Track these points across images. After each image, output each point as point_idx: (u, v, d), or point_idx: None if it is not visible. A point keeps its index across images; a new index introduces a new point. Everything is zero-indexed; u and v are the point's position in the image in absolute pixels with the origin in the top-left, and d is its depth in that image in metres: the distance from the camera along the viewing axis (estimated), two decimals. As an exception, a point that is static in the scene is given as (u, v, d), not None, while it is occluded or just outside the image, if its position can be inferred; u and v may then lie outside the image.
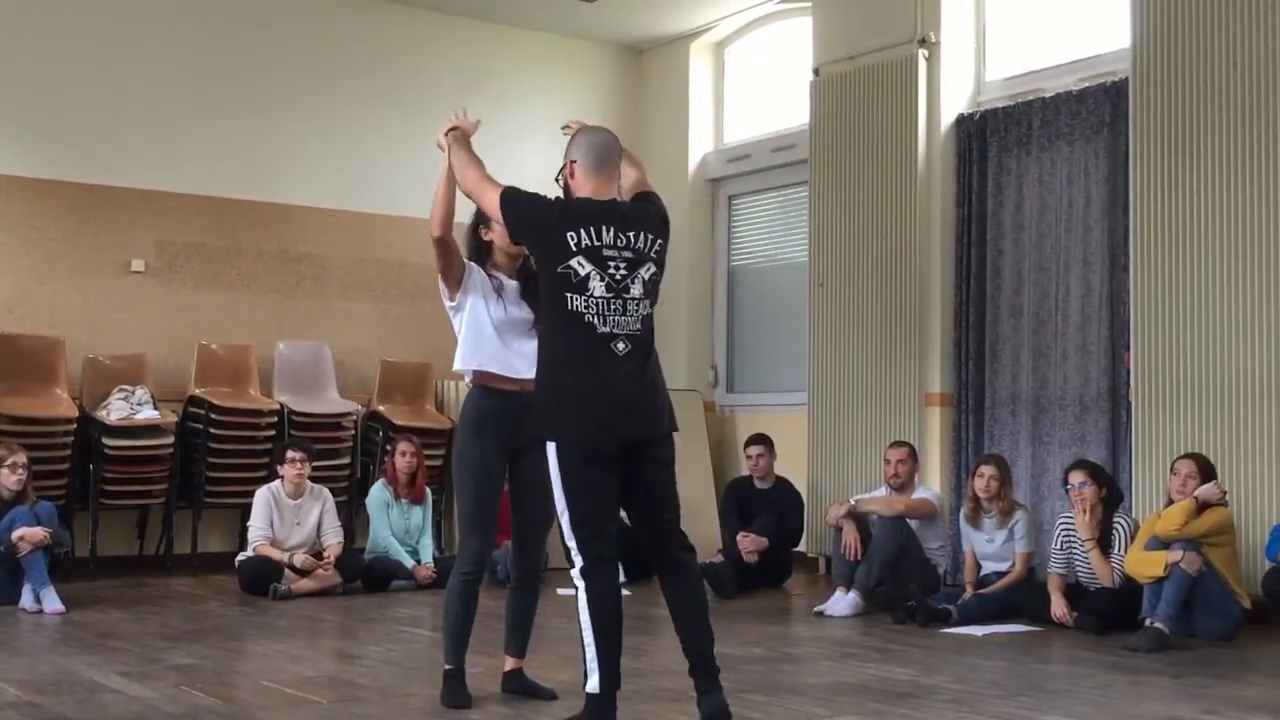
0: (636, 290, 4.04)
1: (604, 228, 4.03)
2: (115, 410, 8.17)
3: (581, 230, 4.01)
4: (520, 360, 4.51)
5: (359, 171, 9.60)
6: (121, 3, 8.93)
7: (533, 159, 9.76)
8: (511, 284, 4.62)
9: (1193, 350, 7.02)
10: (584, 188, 4.14)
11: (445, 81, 9.90)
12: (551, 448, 4.00)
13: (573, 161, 4.19)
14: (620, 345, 4.00)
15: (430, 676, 5.17)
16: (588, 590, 3.97)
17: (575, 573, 4.00)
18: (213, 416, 8.49)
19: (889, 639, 6.24)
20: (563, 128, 4.43)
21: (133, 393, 8.29)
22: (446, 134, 4.47)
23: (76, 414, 8.11)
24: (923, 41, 8.47)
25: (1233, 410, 6.85)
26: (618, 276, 4.01)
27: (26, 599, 6.81)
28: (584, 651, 3.97)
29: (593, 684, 3.95)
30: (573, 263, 3.98)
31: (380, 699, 4.71)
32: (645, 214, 4.18)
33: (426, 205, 10.63)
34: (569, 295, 3.98)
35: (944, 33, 8.46)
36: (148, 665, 5.28)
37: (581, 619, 3.97)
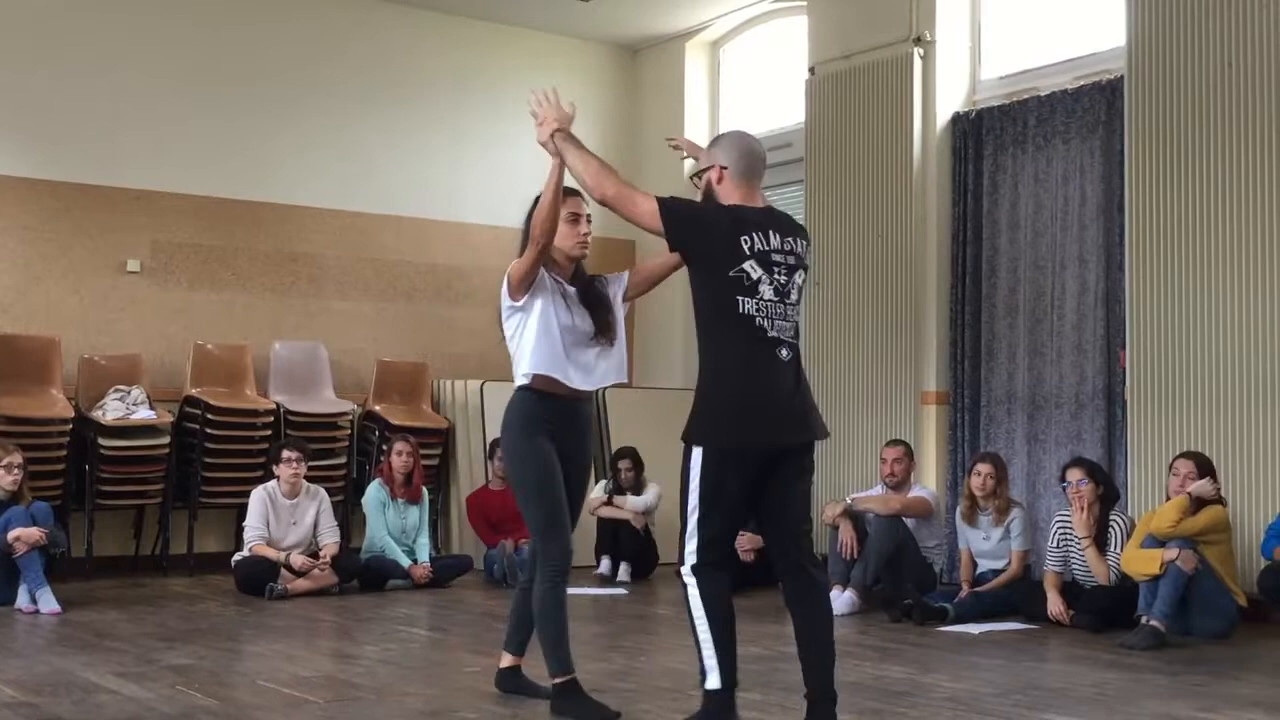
0: (794, 296, 4.04)
1: (770, 232, 4.00)
2: (111, 410, 8.16)
3: (755, 234, 3.96)
4: (576, 371, 4.46)
5: (355, 171, 9.60)
6: (117, 3, 8.92)
7: (527, 156, 9.82)
8: (571, 289, 4.54)
9: (1188, 348, 7.03)
10: (733, 195, 4.06)
11: (441, 80, 9.91)
12: (697, 452, 3.95)
13: (723, 168, 4.07)
14: (784, 351, 3.99)
15: (427, 676, 5.18)
16: (700, 587, 3.95)
17: (686, 569, 3.96)
18: (209, 416, 8.48)
19: (885, 637, 6.24)
20: (670, 144, 4.33)
21: (128, 393, 8.29)
22: (552, 135, 4.21)
23: (72, 414, 8.10)
24: (918, 40, 8.48)
25: (1228, 408, 6.86)
26: (782, 281, 4.00)
27: (22, 599, 6.80)
28: (699, 650, 3.93)
29: (712, 681, 3.93)
30: (746, 266, 3.93)
31: (377, 699, 4.70)
32: (794, 221, 4.18)
33: (423, 205, 10.76)
34: (740, 299, 3.93)
35: (939, 31, 8.47)
36: (144, 665, 5.27)
37: (695, 616, 3.94)
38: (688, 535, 3.96)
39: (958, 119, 8.49)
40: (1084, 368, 7.76)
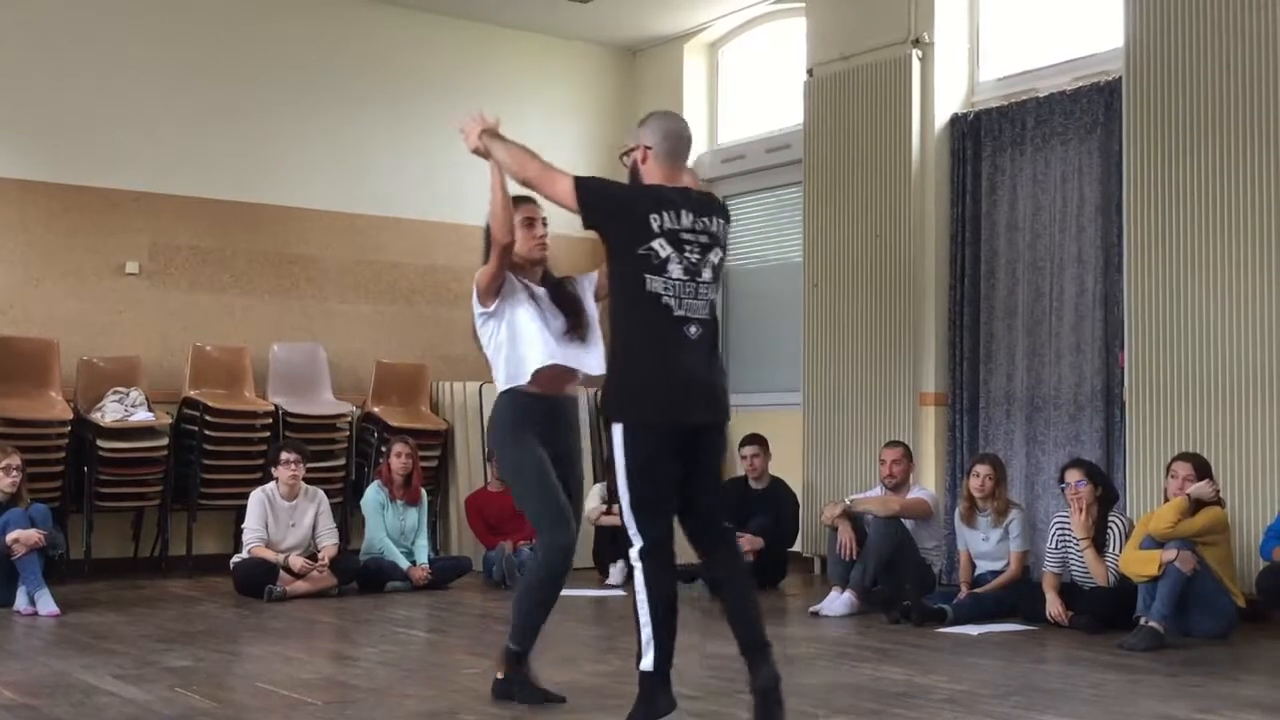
0: (707, 274, 4.09)
1: (682, 211, 4.06)
2: (110, 412, 8.16)
3: (665, 212, 4.03)
4: (573, 359, 4.54)
5: (354, 173, 9.60)
6: (116, 5, 8.92)
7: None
8: (541, 291, 4.62)
9: (1186, 349, 7.03)
10: (655, 174, 4.15)
11: (440, 82, 9.90)
12: (618, 429, 4.02)
13: (647, 147, 4.17)
14: (693, 329, 4.04)
15: (426, 677, 5.18)
16: (646, 571, 3.99)
17: (634, 553, 4.02)
18: (207, 418, 8.48)
19: (884, 639, 6.24)
20: (621, 156, 4.36)
21: (127, 395, 8.29)
22: (480, 136, 4.34)
23: (71, 416, 8.10)
24: (916, 42, 8.48)
25: (1227, 409, 6.86)
26: (693, 259, 4.05)
27: (21, 601, 6.80)
28: (639, 632, 3.99)
29: (647, 662, 3.99)
30: (654, 244, 4.00)
31: (376, 700, 4.70)
32: (714, 201, 4.24)
33: (421, 207, 10.78)
34: (648, 276, 4.00)
35: (938, 33, 8.47)
36: (143, 668, 5.27)
37: (639, 598, 3.99)
38: (627, 517, 4.03)
39: (956, 120, 8.49)
40: (1082, 369, 7.76)
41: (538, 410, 4.53)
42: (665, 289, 4.00)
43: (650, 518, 4.01)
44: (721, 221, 4.18)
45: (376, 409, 9.15)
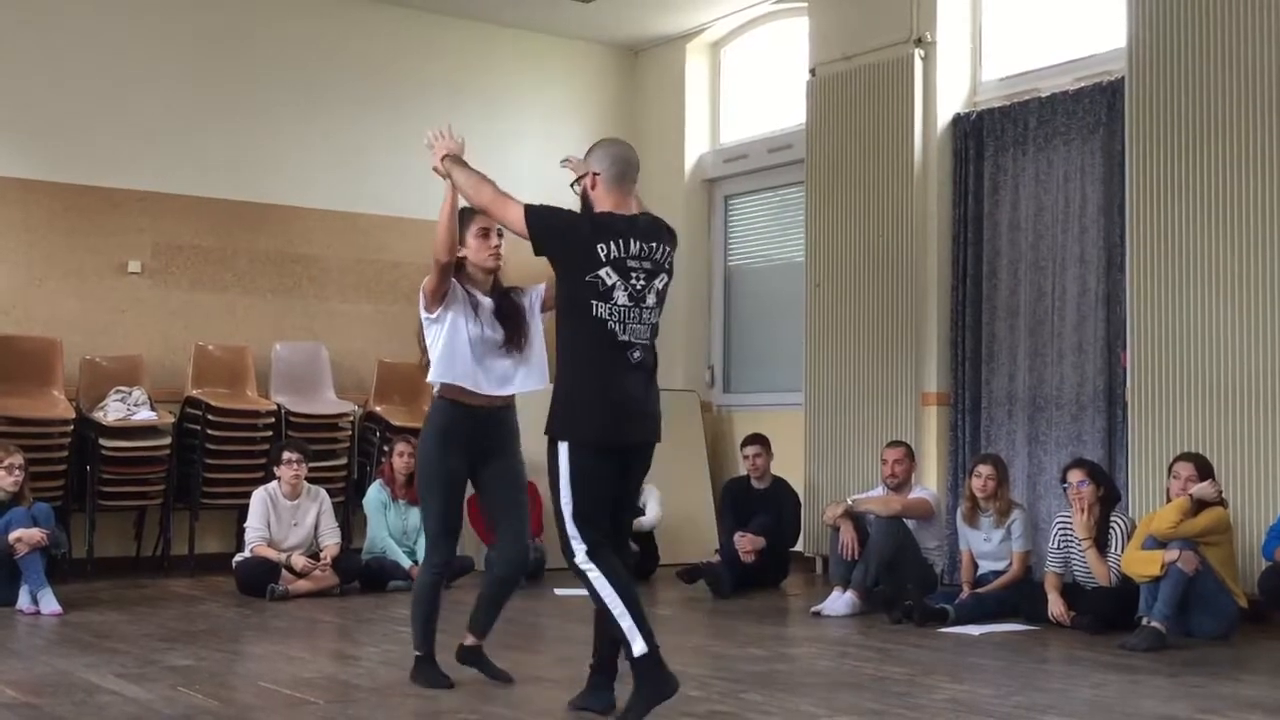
0: (651, 299, 4.26)
1: (631, 241, 4.22)
2: (112, 411, 8.17)
3: (611, 243, 4.19)
4: (488, 379, 4.77)
5: (355, 173, 9.60)
6: (118, 5, 8.93)
7: (528, 159, 9.84)
8: (486, 301, 4.84)
9: (1189, 349, 7.03)
10: (605, 201, 4.32)
11: (441, 82, 9.91)
12: (562, 446, 4.19)
13: (595, 174, 4.33)
14: (636, 354, 4.23)
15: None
16: (600, 568, 4.13)
17: (581, 557, 4.15)
18: (210, 418, 8.49)
19: (886, 638, 6.24)
20: (561, 162, 4.58)
21: (129, 394, 8.29)
22: (442, 160, 4.59)
23: (73, 415, 8.10)
24: (919, 41, 8.48)
25: (1229, 409, 6.86)
26: (638, 287, 4.22)
27: (23, 600, 6.80)
28: (616, 625, 4.09)
29: (639, 647, 4.07)
30: (601, 273, 4.17)
31: (378, 700, 4.71)
32: (660, 227, 4.38)
33: (423, 207, 10.75)
34: (594, 303, 4.17)
35: (940, 33, 8.46)
36: (145, 666, 5.28)
37: (604, 595, 4.11)
38: (567, 530, 4.18)
39: (958, 120, 8.49)
40: (1085, 369, 7.75)
41: (468, 418, 4.77)
42: (610, 314, 4.18)
43: (587, 524, 4.18)
44: (667, 248, 4.32)
45: (378, 408, 9.15)
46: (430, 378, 4.85)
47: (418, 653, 4.91)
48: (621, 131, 10.47)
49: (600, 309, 4.17)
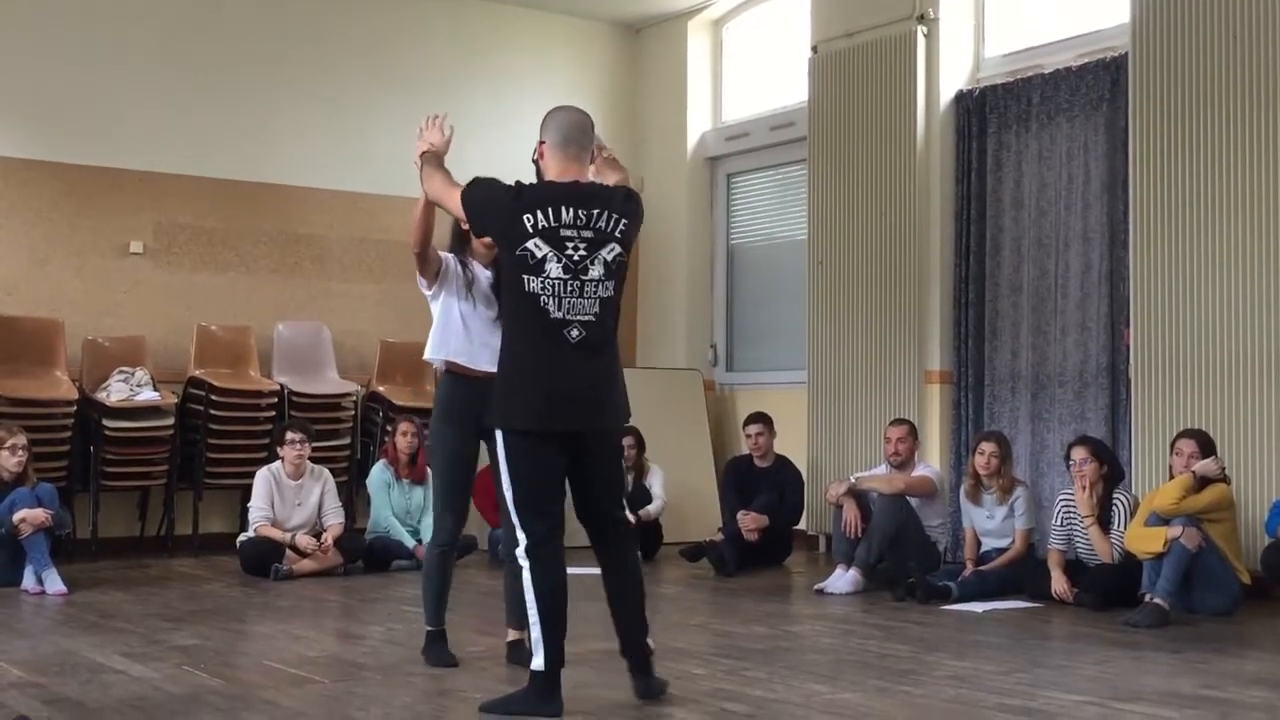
0: (596, 271, 4.03)
1: (563, 208, 4.02)
2: (115, 392, 8.17)
3: (538, 211, 4.01)
4: (484, 353, 4.74)
5: (358, 152, 9.57)
6: (118, -16, 8.91)
7: (530, 138, 9.79)
8: (485, 275, 4.85)
9: (1192, 326, 7.02)
10: (551, 168, 4.17)
11: (443, 61, 9.89)
12: (498, 435, 4.08)
13: (541, 142, 4.21)
14: (574, 332, 4.01)
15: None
16: (532, 569, 4.02)
17: (520, 552, 4.05)
18: (212, 398, 8.49)
19: (889, 616, 6.25)
20: (532, 158, 4.33)
21: (132, 374, 8.30)
22: (421, 154, 4.53)
23: (76, 396, 8.11)
24: (921, 18, 8.44)
25: (1232, 386, 6.85)
26: (575, 258, 4.01)
27: (28, 580, 6.82)
28: (529, 630, 4.05)
29: (537, 662, 4.00)
30: (529, 244, 3.99)
31: (382, 678, 4.72)
32: (608, 193, 4.15)
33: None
34: (525, 277, 4.00)
35: (943, 9, 8.43)
36: (150, 646, 5.29)
37: (526, 598, 4.03)
38: (512, 516, 4.07)
39: (961, 97, 8.46)
40: (1088, 346, 7.75)
41: (473, 391, 4.72)
42: (543, 289, 3.98)
43: (532, 517, 4.04)
44: (616, 216, 4.07)
45: (381, 388, 9.15)
46: (426, 356, 4.91)
47: (429, 628, 4.93)
48: (623, 110, 10.49)
49: (531, 283, 3.97)
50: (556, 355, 4.00)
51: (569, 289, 3.99)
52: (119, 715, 4.12)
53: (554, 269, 3.98)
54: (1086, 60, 7.84)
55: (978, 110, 8.35)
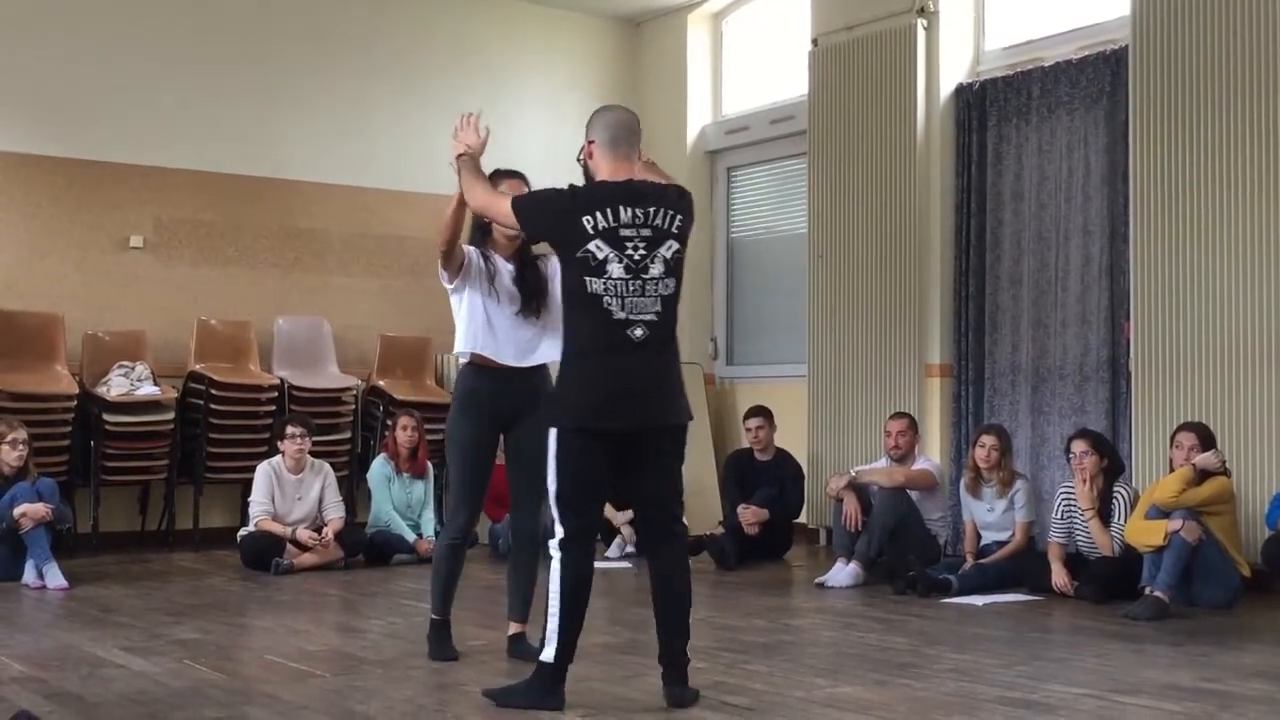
0: (656, 269, 4.03)
1: (621, 208, 4.01)
2: (115, 386, 8.17)
3: (597, 213, 4.00)
4: (508, 347, 4.74)
5: (358, 146, 9.57)
6: (117, -22, 8.90)
7: (531, 131, 9.83)
8: (507, 268, 4.79)
9: (1192, 319, 7.02)
10: (602, 168, 4.14)
11: (444, 55, 9.88)
12: (552, 432, 4.05)
13: (590, 142, 4.17)
14: (638, 331, 4.01)
15: (433, 649, 5.20)
16: (562, 562, 4.02)
17: (555, 542, 4.06)
18: (213, 392, 8.49)
19: (890, 609, 6.26)
20: (577, 158, 4.28)
21: (133, 369, 8.30)
22: (458, 157, 4.46)
23: (77, 390, 8.11)
24: (921, 11, 8.44)
25: (1232, 379, 6.85)
26: (636, 257, 4.01)
27: (29, 575, 6.82)
28: (546, 621, 4.04)
29: (548, 653, 4.01)
30: (590, 246, 3.99)
31: (383, 672, 4.72)
32: (662, 191, 4.15)
33: (426, 181, 10.78)
34: (588, 279, 3.99)
35: (942, 2, 8.42)
36: (151, 640, 5.30)
37: (550, 588, 4.03)
38: (552, 507, 4.07)
39: (961, 90, 8.45)
40: (1088, 339, 7.75)
41: (494, 382, 4.75)
42: (606, 289, 3.98)
43: (573, 512, 4.04)
44: (672, 213, 4.08)
45: (381, 382, 9.15)
46: (455, 350, 4.86)
47: (434, 616, 4.94)
48: (623, 103, 10.42)
49: (594, 284, 3.98)
50: (619, 355, 4.00)
51: (631, 288, 3.99)
52: (120, 710, 4.12)
53: (615, 269, 3.98)
54: (1087, 53, 7.83)
55: (978, 103, 8.35)
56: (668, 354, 4.11)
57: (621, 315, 4.00)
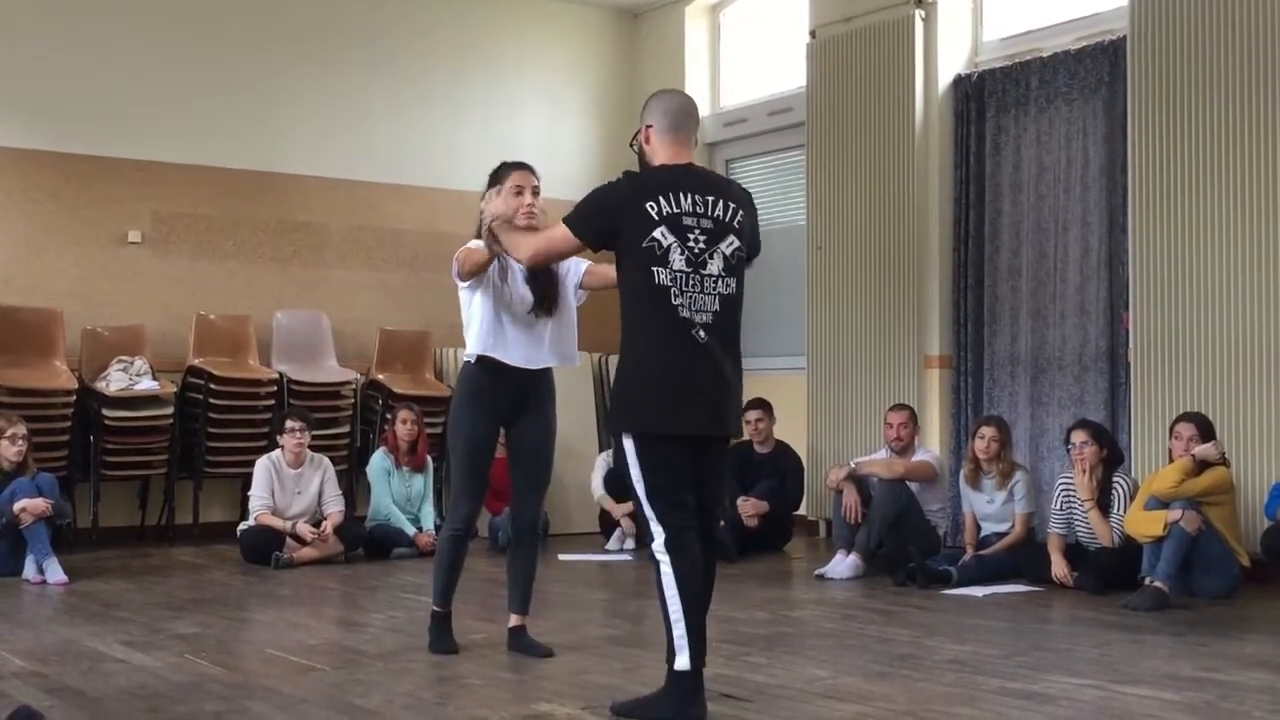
0: (715, 266, 3.82)
1: (682, 194, 3.81)
2: (114, 381, 8.17)
3: (660, 197, 3.79)
4: (518, 350, 4.74)
5: (357, 140, 9.56)
6: (114, -28, 8.88)
7: (529, 123, 9.82)
8: (519, 268, 4.74)
9: (1191, 310, 7.02)
10: (660, 153, 3.95)
11: (442, 49, 9.87)
12: (626, 440, 3.85)
13: (649, 126, 3.98)
14: (700, 333, 3.80)
15: (433, 643, 5.20)
16: (673, 564, 3.76)
17: (658, 546, 3.80)
18: (212, 387, 8.49)
19: (890, 601, 6.26)
20: (630, 144, 4.13)
21: (131, 364, 8.29)
22: (492, 225, 4.44)
23: (76, 385, 8.10)
24: (919, 2, 8.42)
25: (1231, 369, 6.85)
26: (696, 250, 3.79)
27: (30, 570, 6.83)
28: (669, 628, 3.77)
29: (682, 661, 3.75)
30: (656, 233, 3.76)
31: (383, 665, 4.72)
32: (724, 181, 4.02)
33: (424, 174, 10.75)
34: (655, 270, 3.76)
35: (941, -7, 8.42)
36: (151, 635, 5.30)
37: (666, 594, 3.76)
38: (645, 510, 3.84)
39: (959, 81, 8.45)
40: (1087, 330, 7.75)
41: (499, 379, 4.75)
42: (672, 281, 3.75)
43: (667, 508, 3.80)
44: (734, 206, 3.89)
45: (381, 376, 9.15)
46: (468, 353, 4.80)
47: (435, 608, 4.94)
48: (620, 95, 10.46)
49: (661, 275, 3.72)
50: (683, 354, 3.78)
51: (690, 283, 3.78)
52: (121, 704, 4.12)
53: (677, 260, 3.76)
54: (1085, 44, 7.82)
55: (976, 94, 8.34)
56: (730, 358, 3.88)
57: (686, 314, 3.77)
